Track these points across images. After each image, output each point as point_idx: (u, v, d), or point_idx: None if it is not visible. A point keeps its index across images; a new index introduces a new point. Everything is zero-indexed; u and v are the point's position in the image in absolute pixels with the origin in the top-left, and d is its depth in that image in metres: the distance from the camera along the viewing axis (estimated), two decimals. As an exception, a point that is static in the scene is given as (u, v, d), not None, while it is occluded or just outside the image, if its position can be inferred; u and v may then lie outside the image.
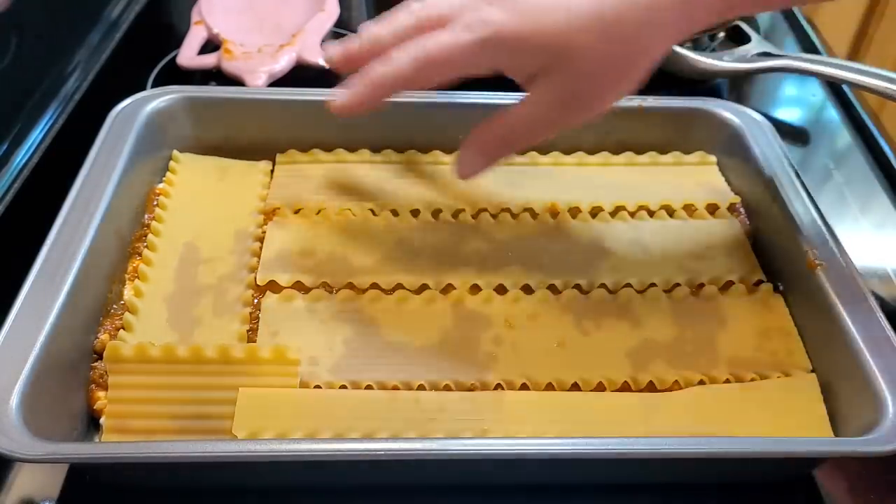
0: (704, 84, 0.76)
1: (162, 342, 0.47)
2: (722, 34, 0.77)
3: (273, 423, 0.44)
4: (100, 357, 0.48)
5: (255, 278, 0.52)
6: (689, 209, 0.59)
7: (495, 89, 0.64)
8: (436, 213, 0.58)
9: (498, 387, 0.48)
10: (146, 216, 0.56)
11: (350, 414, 0.45)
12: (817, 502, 0.47)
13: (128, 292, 0.51)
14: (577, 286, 0.53)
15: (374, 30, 0.49)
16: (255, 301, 0.51)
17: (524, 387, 0.48)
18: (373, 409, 0.46)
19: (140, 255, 0.54)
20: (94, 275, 0.50)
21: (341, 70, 0.51)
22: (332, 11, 0.81)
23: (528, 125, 0.48)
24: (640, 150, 0.63)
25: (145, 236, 0.55)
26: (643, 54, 0.46)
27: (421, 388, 0.47)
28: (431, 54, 0.46)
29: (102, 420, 0.46)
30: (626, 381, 0.48)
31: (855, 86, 0.72)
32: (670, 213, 0.59)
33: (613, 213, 0.59)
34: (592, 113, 0.47)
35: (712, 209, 0.59)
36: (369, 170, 0.61)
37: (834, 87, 0.79)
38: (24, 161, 0.66)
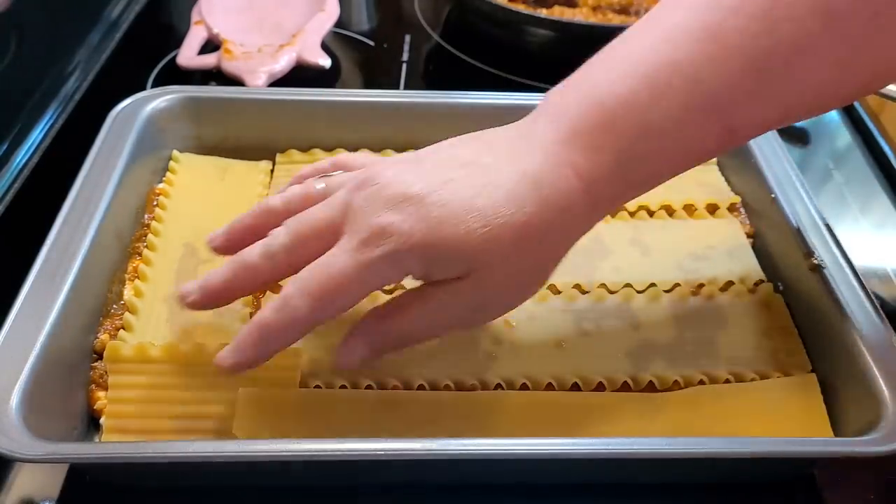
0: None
1: (162, 342, 0.47)
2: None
3: (273, 424, 0.44)
4: (100, 357, 0.48)
5: (256, 278, 0.52)
6: (689, 209, 0.59)
7: (495, 89, 0.64)
8: (436, 213, 0.58)
9: (498, 387, 0.48)
10: (146, 216, 0.56)
11: (350, 414, 0.45)
12: (817, 502, 0.47)
13: (128, 292, 0.51)
14: (577, 286, 0.53)
15: (247, 252, 0.43)
16: (256, 301, 0.51)
17: (524, 387, 0.48)
18: (373, 409, 0.46)
19: (140, 255, 0.54)
20: (94, 275, 0.50)
21: (224, 253, 0.47)
22: (332, 11, 0.81)
23: (429, 327, 0.43)
24: (640, 151, 0.63)
25: (145, 236, 0.55)
26: (553, 258, 0.43)
27: (421, 388, 0.47)
28: (329, 287, 0.40)
29: (102, 420, 0.46)
30: (626, 381, 0.48)
31: (855, 86, 0.72)
32: (670, 213, 0.59)
33: (613, 214, 0.59)
34: (496, 317, 0.44)
35: (712, 209, 0.59)
36: (369, 170, 0.61)
37: (834, 87, 0.79)
38: (24, 161, 0.66)
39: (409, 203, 0.40)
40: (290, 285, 0.41)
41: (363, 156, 0.49)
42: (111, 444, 0.44)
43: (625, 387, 0.48)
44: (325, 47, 0.78)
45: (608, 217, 0.58)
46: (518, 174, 0.40)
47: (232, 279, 0.43)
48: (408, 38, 0.85)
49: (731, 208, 0.60)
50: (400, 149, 0.62)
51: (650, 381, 0.48)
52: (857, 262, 0.51)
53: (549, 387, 0.48)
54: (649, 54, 0.40)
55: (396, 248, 0.39)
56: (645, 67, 0.40)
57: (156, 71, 0.77)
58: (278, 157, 0.62)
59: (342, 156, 0.49)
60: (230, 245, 0.46)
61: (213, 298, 0.44)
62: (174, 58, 0.77)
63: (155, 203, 0.57)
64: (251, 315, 0.50)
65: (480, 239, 0.39)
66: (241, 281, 0.43)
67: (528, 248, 0.41)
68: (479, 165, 0.41)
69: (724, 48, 0.39)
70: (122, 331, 0.49)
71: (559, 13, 0.80)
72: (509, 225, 0.39)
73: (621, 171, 0.41)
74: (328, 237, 0.41)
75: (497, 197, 0.40)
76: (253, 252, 0.43)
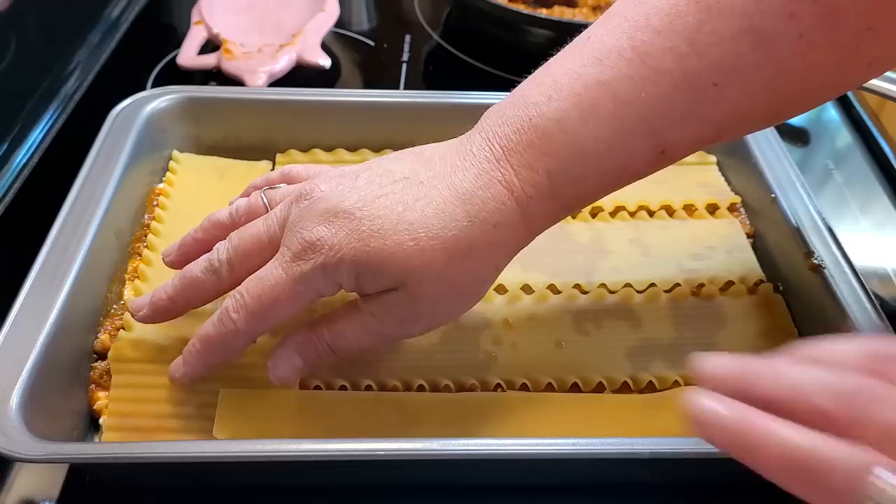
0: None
1: (162, 342, 0.47)
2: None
3: (255, 425, 0.44)
4: (100, 357, 0.48)
5: (255, 278, 0.52)
6: (689, 209, 0.59)
7: (495, 89, 0.64)
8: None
9: (498, 387, 0.48)
10: (146, 216, 0.56)
11: (335, 415, 0.45)
12: (817, 502, 0.47)
13: (128, 292, 0.51)
14: (577, 286, 0.53)
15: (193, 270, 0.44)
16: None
17: (524, 387, 0.48)
18: (359, 410, 0.46)
19: (140, 255, 0.54)
20: (94, 275, 0.50)
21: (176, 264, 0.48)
22: (332, 11, 0.81)
23: (361, 337, 0.43)
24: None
25: (145, 236, 0.55)
26: (488, 272, 0.43)
27: (421, 388, 0.47)
28: (263, 300, 0.41)
29: (102, 419, 0.46)
30: (626, 381, 0.48)
31: (855, 86, 0.72)
32: (670, 213, 0.59)
33: (613, 213, 0.59)
34: (432, 328, 0.45)
35: (712, 209, 0.59)
36: (369, 170, 0.61)
37: (834, 87, 0.79)
38: (24, 161, 0.66)
39: (341, 217, 0.40)
40: (229, 299, 0.42)
41: (308, 168, 0.49)
42: (111, 444, 0.44)
43: (625, 387, 0.48)
44: (325, 47, 0.78)
45: (608, 217, 0.58)
46: (450, 190, 0.41)
47: (178, 294, 0.45)
48: (408, 38, 0.85)
49: (731, 208, 0.60)
50: (400, 149, 0.62)
51: (650, 381, 0.48)
52: (857, 262, 0.51)
53: (549, 387, 0.48)
54: (580, 75, 0.41)
55: (327, 262, 0.40)
56: (576, 88, 0.41)
57: (156, 71, 0.77)
58: (278, 157, 0.62)
59: (290, 167, 0.50)
60: (182, 259, 0.47)
61: (161, 313, 0.45)
62: (174, 58, 0.77)
63: (155, 203, 0.57)
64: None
65: (409, 252, 0.40)
66: (186, 295, 0.45)
67: (459, 262, 0.41)
68: (412, 181, 0.41)
69: (654, 70, 0.39)
70: (122, 331, 0.49)
71: (559, 13, 0.80)
72: (438, 238, 0.40)
73: (554, 191, 0.41)
74: (268, 250, 0.42)
75: (428, 212, 0.40)
76: (197, 266, 0.44)
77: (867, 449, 0.28)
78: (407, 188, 0.41)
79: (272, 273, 0.41)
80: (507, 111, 0.42)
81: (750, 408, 0.31)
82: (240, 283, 0.43)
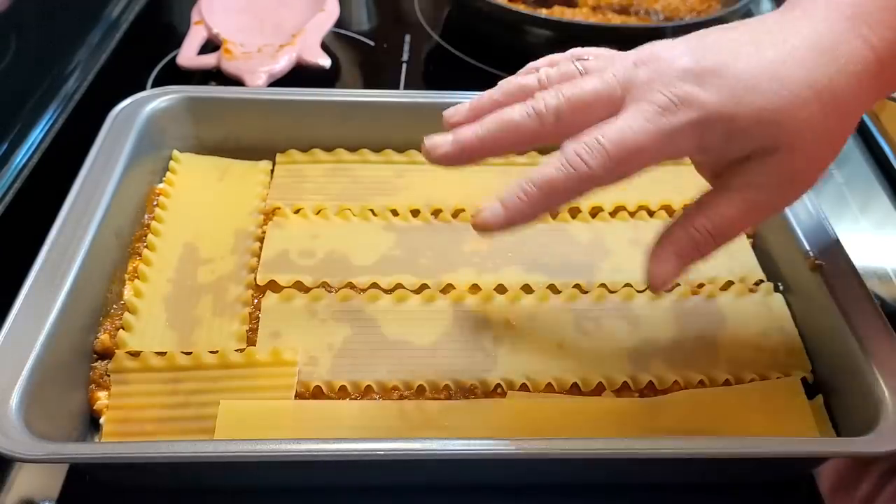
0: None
1: (162, 342, 0.48)
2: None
3: (255, 436, 0.44)
4: (100, 357, 0.48)
5: (255, 278, 0.52)
6: (689, 209, 0.59)
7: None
8: (436, 212, 0.58)
9: (497, 387, 0.48)
10: (146, 216, 0.56)
11: (335, 423, 0.45)
12: (817, 502, 0.47)
13: (128, 292, 0.51)
14: (577, 286, 0.53)
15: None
16: (255, 301, 0.51)
17: (524, 387, 0.48)
18: (358, 417, 0.46)
19: (140, 255, 0.54)
20: (94, 275, 0.50)
21: (454, 125, 0.43)
22: (332, 11, 0.81)
23: (741, 215, 0.41)
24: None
25: (145, 236, 0.55)
26: (850, 125, 0.42)
27: (421, 388, 0.47)
28: (627, 148, 0.39)
29: (102, 420, 0.46)
30: (626, 381, 0.48)
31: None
32: (670, 213, 0.59)
33: (613, 213, 0.59)
34: (803, 193, 0.43)
35: (712, 209, 0.59)
36: (369, 170, 0.61)
37: (834, 87, 0.79)
38: (24, 161, 0.66)
39: (707, 74, 0.39)
40: (576, 144, 0.39)
41: (596, 49, 0.45)
42: (111, 444, 0.44)
43: (625, 387, 0.48)
44: (325, 47, 0.78)
45: (608, 217, 0.58)
46: (811, 44, 0.40)
47: (489, 134, 0.41)
48: (408, 38, 0.85)
49: (731, 208, 0.60)
50: (400, 149, 0.62)
51: (650, 381, 0.48)
52: (857, 262, 0.51)
53: (549, 387, 0.48)
54: None
55: (700, 118, 0.39)
56: None
57: (156, 71, 0.77)
58: (278, 157, 0.62)
59: (579, 49, 0.46)
60: (473, 119, 0.43)
61: (467, 153, 0.42)
62: (174, 58, 0.77)
63: (155, 203, 0.57)
64: (250, 315, 0.50)
65: (786, 105, 0.39)
66: (498, 137, 0.41)
67: (832, 113, 0.40)
68: (765, 44, 0.40)
69: None
70: (121, 331, 0.49)
71: (559, 13, 0.80)
72: (812, 89, 0.39)
73: None
74: (600, 109, 0.40)
75: (793, 66, 0.39)
76: (514, 111, 0.41)
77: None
78: (762, 48, 0.40)
79: (635, 122, 0.39)
80: None
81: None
82: (556, 138, 0.41)
